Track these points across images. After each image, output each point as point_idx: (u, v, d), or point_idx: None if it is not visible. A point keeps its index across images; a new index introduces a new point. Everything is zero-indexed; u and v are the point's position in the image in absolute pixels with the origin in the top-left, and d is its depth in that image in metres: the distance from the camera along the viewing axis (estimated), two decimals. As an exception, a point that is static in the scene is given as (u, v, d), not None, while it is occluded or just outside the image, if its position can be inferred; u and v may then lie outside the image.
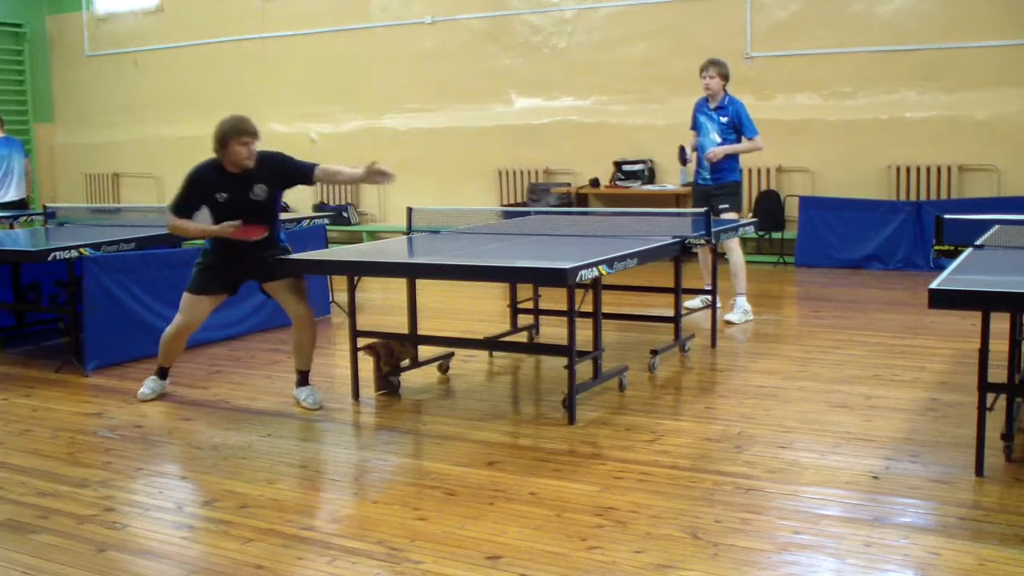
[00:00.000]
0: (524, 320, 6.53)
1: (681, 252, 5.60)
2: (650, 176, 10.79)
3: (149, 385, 5.34)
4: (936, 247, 4.87)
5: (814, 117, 10.18)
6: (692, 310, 6.89)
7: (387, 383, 5.33)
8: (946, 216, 4.90)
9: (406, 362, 5.48)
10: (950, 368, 5.57)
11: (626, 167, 10.85)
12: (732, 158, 7.09)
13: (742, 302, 7.09)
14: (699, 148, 7.16)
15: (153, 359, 5.51)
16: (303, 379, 5.22)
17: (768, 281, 9.26)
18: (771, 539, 3.32)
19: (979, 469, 3.83)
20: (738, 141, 7.05)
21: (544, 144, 11.49)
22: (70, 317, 6.16)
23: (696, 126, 7.19)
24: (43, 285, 6.93)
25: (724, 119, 6.98)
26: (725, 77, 7.00)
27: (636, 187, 10.62)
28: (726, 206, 6.98)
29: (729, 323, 6.95)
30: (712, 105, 7.04)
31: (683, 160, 7.24)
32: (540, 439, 4.49)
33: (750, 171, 10.41)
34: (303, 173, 5.10)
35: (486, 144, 11.78)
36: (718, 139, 7.02)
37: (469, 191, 11.79)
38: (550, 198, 10.98)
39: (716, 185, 7.08)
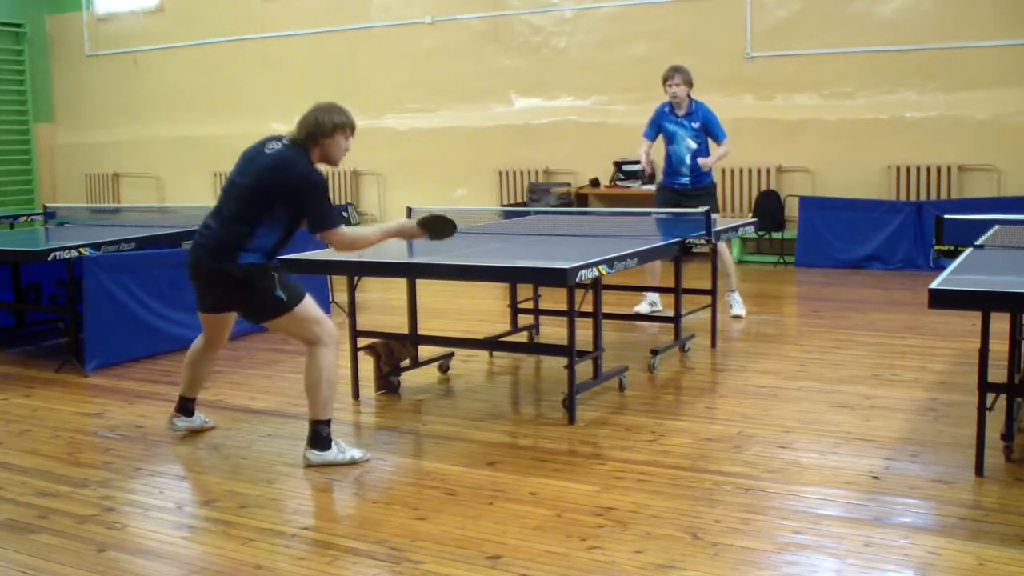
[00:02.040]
0: (524, 320, 6.53)
1: (681, 252, 5.60)
2: (650, 176, 10.77)
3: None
4: (936, 247, 4.87)
5: (814, 117, 10.18)
6: (643, 315, 7.01)
7: (387, 383, 5.33)
8: (946, 216, 4.90)
9: (406, 362, 5.48)
10: (950, 368, 5.57)
11: (626, 167, 10.85)
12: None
13: (738, 296, 7.23)
14: (671, 156, 7.19)
15: (153, 359, 5.51)
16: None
17: (768, 281, 9.27)
18: (771, 539, 3.32)
19: (979, 469, 3.84)
20: (706, 144, 7.11)
21: (544, 144, 11.48)
22: (70, 317, 6.16)
23: (665, 134, 7.20)
24: (43, 285, 6.93)
25: (696, 124, 7.06)
26: (690, 83, 7.08)
27: (636, 187, 10.62)
28: (707, 208, 6.99)
29: (739, 317, 7.07)
30: (680, 112, 7.08)
31: (647, 175, 7.35)
32: (540, 439, 4.49)
33: (750, 171, 10.43)
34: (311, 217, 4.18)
35: (486, 144, 11.78)
36: (693, 145, 7.08)
37: (469, 191, 11.78)
38: (550, 198, 10.98)
39: (695, 188, 7.14)
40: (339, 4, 12.52)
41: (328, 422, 4.14)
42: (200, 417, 4.69)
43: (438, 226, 4.37)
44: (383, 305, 7.96)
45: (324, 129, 4.15)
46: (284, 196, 4.08)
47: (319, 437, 4.13)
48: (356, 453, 4.19)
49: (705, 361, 5.97)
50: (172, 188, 13.83)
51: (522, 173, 11.62)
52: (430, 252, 5.43)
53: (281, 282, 4.13)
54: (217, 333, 4.48)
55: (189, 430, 4.65)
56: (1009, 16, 9.31)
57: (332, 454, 4.13)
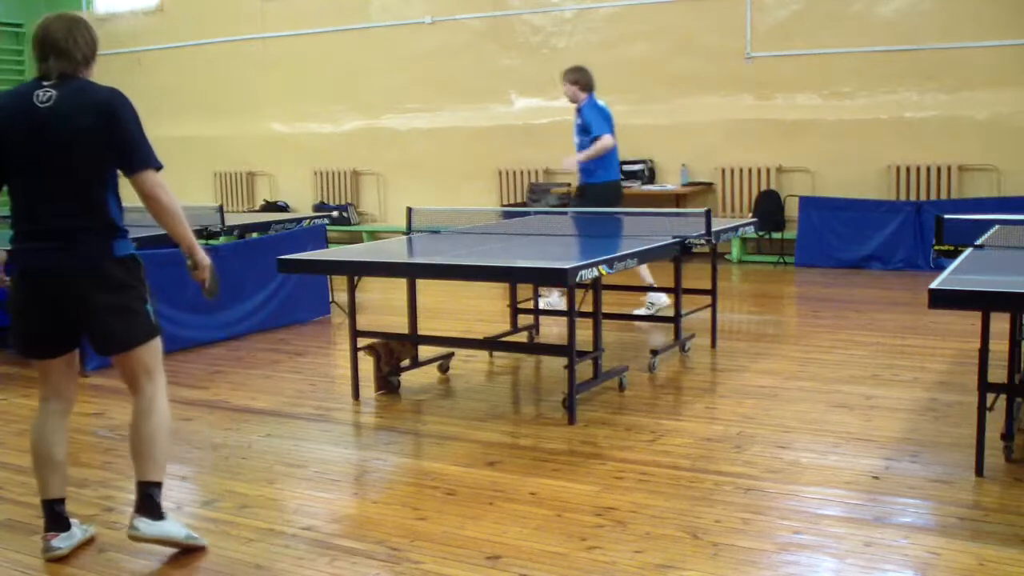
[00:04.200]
0: (524, 320, 6.53)
1: (681, 252, 5.60)
2: (650, 176, 10.79)
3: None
4: (936, 247, 4.87)
5: (814, 117, 10.18)
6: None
7: (387, 383, 5.33)
8: (946, 216, 4.90)
9: (406, 362, 5.48)
10: (950, 368, 5.57)
11: (626, 167, 10.82)
12: (592, 161, 7.16)
13: (655, 296, 7.21)
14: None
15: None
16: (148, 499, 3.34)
17: (768, 281, 9.27)
18: (771, 539, 3.32)
19: (979, 469, 3.84)
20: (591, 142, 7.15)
21: (544, 144, 11.47)
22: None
23: None
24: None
25: (578, 121, 7.17)
26: (578, 83, 7.12)
27: (636, 187, 10.62)
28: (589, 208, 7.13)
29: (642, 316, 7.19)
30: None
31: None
32: (540, 439, 4.49)
33: (750, 171, 10.42)
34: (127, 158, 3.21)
35: (486, 144, 11.78)
36: (576, 140, 7.19)
37: (469, 191, 11.79)
38: (550, 198, 10.98)
39: (582, 186, 7.29)
40: (339, 4, 12.52)
41: (161, 485, 3.31)
42: (78, 527, 3.45)
43: (215, 277, 3.49)
44: (383, 305, 7.95)
45: (96, 47, 3.26)
46: (107, 134, 3.16)
47: (153, 503, 3.26)
48: (191, 532, 3.36)
49: (705, 361, 5.97)
50: (172, 188, 13.66)
51: (522, 173, 11.62)
52: (430, 252, 5.43)
53: (152, 297, 3.30)
54: (69, 379, 3.48)
55: (73, 547, 3.38)
56: (1009, 16, 9.31)
57: (170, 524, 3.29)
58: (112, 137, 3.16)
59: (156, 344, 3.35)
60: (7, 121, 3.15)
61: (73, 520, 3.46)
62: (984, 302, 3.69)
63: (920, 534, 3.34)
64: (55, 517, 3.36)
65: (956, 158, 9.61)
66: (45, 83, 3.16)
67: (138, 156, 3.20)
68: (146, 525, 3.24)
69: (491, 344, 5.92)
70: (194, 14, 13.45)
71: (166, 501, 3.82)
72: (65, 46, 3.15)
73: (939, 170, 9.67)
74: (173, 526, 3.31)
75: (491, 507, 3.66)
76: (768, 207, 10.19)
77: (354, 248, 7.12)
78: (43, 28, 3.18)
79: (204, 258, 3.39)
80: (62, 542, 3.34)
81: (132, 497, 3.86)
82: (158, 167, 3.26)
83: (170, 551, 3.36)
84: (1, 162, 3.18)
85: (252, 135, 13.24)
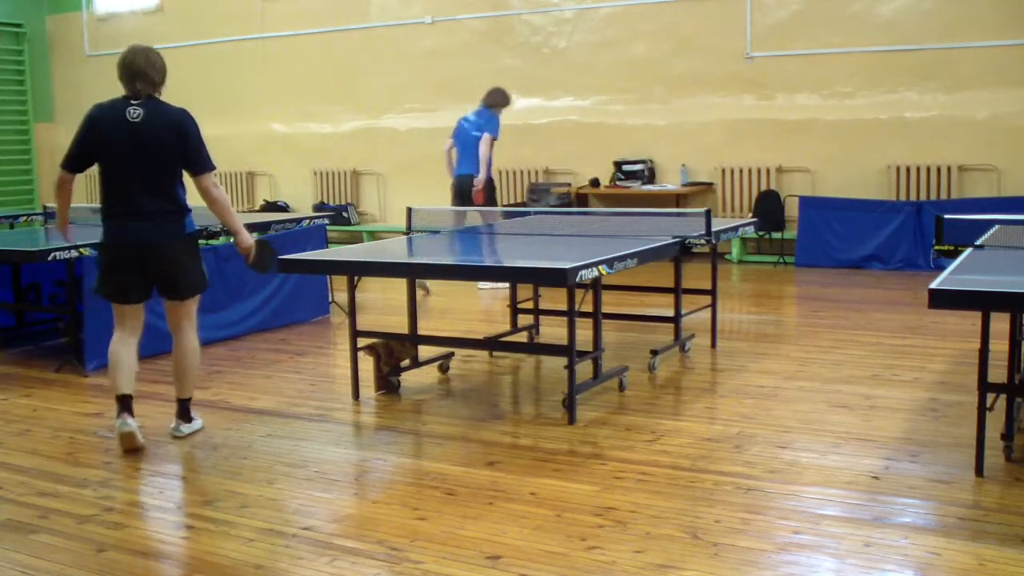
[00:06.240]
0: (524, 320, 6.53)
1: (681, 252, 5.60)
2: (650, 176, 10.79)
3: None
4: (936, 247, 4.87)
5: (814, 117, 10.18)
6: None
7: (387, 383, 5.33)
8: (946, 216, 4.90)
9: (406, 362, 5.48)
10: (950, 368, 5.57)
11: (626, 167, 10.85)
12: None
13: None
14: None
15: (153, 358, 5.50)
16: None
17: (768, 281, 9.27)
18: (771, 539, 3.32)
19: (979, 469, 3.84)
20: None
21: (544, 144, 11.49)
22: (70, 317, 6.16)
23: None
24: (43, 285, 6.93)
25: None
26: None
27: (636, 187, 10.62)
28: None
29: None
30: None
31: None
32: (540, 439, 4.49)
33: (750, 171, 10.43)
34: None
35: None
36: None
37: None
38: (550, 198, 10.98)
39: None
40: (339, 4, 12.52)
41: (191, 398, 4.64)
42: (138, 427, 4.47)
43: (264, 255, 4.69)
44: (383, 305, 7.96)
45: (166, 72, 4.37)
46: (180, 146, 4.29)
47: (188, 411, 4.62)
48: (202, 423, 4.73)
49: (705, 361, 5.97)
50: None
51: (522, 173, 11.62)
52: (430, 252, 5.43)
53: (200, 257, 4.55)
54: (140, 319, 4.56)
55: (136, 429, 4.39)
56: (1009, 16, 9.31)
57: (196, 423, 4.66)
58: (184, 147, 4.29)
59: (198, 298, 4.54)
60: (108, 132, 4.33)
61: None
62: (984, 302, 3.69)
63: (920, 534, 3.34)
64: (126, 405, 4.38)
65: (956, 158, 9.61)
66: (133, 102, 4.28)
67: (201, 163, 4.33)
68: (186, 427, 4.60)
69: (491, 344, 5.92)
70: (194, 14, 13.44)
71: (167, 500, 3.84)
72: (150, 73, 4.28)
73: (939, 170, 9.67)
74: (197, 423, 4.67)
75: (491, 507, 3.66)
76: (768, 207, 10.20)
77: (354, 248, 7.12)
78: (130, 57, 4.27)
79: (247, 238, 4.56)
80: (132, 420, 4.36)
81: (132, 497, 3.91)
82: (213, 169, 4.38)
83: (169, 551, 3.37)
84: (100, 160, 4.42)
85: (252, 135, 13.24)
